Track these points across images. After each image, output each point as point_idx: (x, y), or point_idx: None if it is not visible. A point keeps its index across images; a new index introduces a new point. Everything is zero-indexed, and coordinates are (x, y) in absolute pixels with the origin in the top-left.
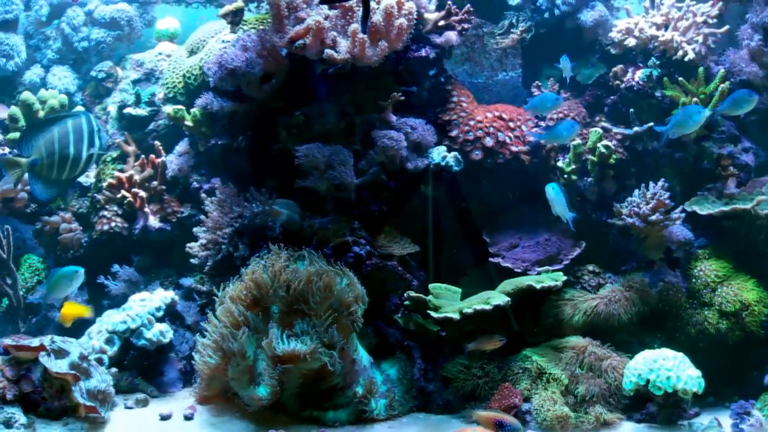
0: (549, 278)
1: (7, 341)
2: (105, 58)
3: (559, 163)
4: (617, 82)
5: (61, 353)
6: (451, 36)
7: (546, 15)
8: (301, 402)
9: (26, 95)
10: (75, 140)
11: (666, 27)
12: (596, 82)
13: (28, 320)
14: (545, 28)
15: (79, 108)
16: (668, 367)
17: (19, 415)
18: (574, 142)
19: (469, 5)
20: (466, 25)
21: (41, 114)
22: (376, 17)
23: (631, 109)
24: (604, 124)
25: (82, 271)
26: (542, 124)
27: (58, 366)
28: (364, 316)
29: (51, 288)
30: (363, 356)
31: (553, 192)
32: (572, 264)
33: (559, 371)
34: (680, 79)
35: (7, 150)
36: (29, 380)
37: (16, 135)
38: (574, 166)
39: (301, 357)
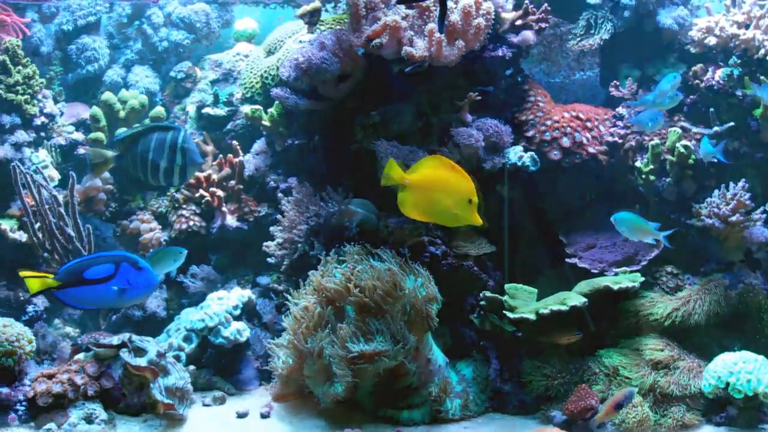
0: (626, 279)
1: (89, 339)
2: (184, 58)
3: (637, 164)
4: (697, 81)
5: (139, 352)
6: (529, 35)
7: (625, 14)
8: (376, 401)
9: (107, 95)
10: (154, 148)
11: (747, 25)
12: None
13: (108, 317)
14: (624, 27)
15: (170, 113)
16: (749, 371)
17: (99, 411)
18: (653, 142)
19: (546, 4)
20: (543, 25)
21: (122, 114)
22: (454, 17)
23: (711, 109)
24: (683, 123)
25: (185, 252)
26: (620, 123)
27: (137, 361)
28: (440, 316)
29: (152, 263)
30: (438, 356)
31: (620, 221)
32: (650, 265)
33: (637, 372)
34: (761, 78)
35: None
36: (109, 377)
37: (98, 135)
38: (652, 167)
39: (375, 356)
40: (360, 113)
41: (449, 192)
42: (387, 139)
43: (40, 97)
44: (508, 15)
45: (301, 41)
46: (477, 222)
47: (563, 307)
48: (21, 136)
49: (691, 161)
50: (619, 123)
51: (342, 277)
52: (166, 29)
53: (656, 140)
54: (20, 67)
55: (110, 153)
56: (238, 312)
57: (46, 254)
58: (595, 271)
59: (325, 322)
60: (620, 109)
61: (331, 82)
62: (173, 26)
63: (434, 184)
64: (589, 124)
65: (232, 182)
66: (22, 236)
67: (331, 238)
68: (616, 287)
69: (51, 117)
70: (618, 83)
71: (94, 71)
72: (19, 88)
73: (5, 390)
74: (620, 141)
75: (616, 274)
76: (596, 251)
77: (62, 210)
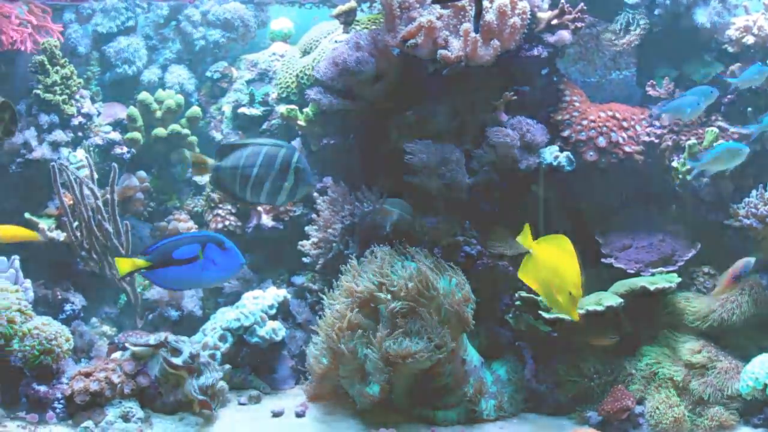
0: (663, 279)
1: (125, 337)
2: (220, 58)
3: (674, 163)
4: None
5: (175, 352)
6: (565, 35)
7: (661, 13)
8: (412, 401)
9: (144, 95)
10: (262, 164)
11: None
12: (712, 80)
13: (145, 317)
14: (660, 26)
15: (206, 112)
16: None
17: (136, 409)
18: (690, 142)
19: (582, 4)
20: (579, 24)
21: (158, 114)
22: (489, 16)
23: (749, 108)
24: (720, 123)
25: None
26: (657, 123)
27: (174, 360)
28: (475, 316)
29: None
30: (473, 356)
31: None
32: (687, 265)
33: (673, 373)
34: None
35: (125, 149)
36: (146, 375)
37: (134, 135)
38: (689, 166)
39: (411, 356)
40: (395, 113)
41: (556, 277)
42: (422, 139)
43: (77, 97)
44: (544, 14)
45: (336, 41)
46: (574, 317)
47: (599, 308)
48: (59, 135)
49: None
50: (656, 123)
51: (374, 278)
52: (203, 29)
53: (693, 140)
54: (58, 68)
55: (210, 161)
56: (273, 311)
57: (83, 253)
58: (632, 272)
59: (356, 324)
60: (656, 109)
61: (367, 82)
62: (210, 25)
63: (547, 264)
64: (625, 124)
65: None
66: (59, 235)
67: (366, 237)
68: (652, 288)
69: (88, 117)
70: (654, 83)
71: (132, 72)
72: (57, 88)
73: (43, 388)
74: (657, 141)
75: (653, 274)
76: (632, 251)
77: (100, 203)
